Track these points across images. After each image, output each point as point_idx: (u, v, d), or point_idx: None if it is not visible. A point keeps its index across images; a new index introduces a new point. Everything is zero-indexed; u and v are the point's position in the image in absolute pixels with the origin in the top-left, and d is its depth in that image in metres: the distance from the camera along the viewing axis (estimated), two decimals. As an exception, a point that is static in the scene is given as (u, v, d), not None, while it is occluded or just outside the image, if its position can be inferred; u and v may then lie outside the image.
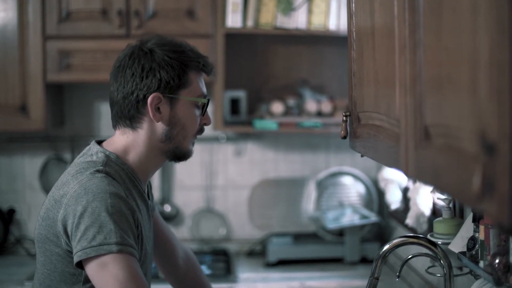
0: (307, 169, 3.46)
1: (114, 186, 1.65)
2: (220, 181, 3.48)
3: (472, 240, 1.83)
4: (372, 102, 1.72)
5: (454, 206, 2.18)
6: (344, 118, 1.93)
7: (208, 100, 1.84)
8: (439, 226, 2.06)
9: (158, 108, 1.76)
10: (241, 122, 3.27)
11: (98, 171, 1.69)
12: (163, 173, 3.44)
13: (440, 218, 2.09)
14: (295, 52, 3.44)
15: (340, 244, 3.25)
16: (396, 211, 3.09)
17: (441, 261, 1.94)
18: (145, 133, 1.78)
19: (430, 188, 2.40)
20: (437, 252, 1.94)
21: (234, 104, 3.27)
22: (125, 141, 1.79)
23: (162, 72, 1.74)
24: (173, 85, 1.75)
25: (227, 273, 3.10)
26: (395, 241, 1.95)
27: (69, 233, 1.62)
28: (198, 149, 3.18)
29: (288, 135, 3.44)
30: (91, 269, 1.59)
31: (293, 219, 3.43)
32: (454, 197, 1.50)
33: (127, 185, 1.73)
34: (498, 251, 1.65)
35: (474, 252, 1.82)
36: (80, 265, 1.61)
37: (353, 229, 3.22)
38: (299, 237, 3.38)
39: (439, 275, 2.06)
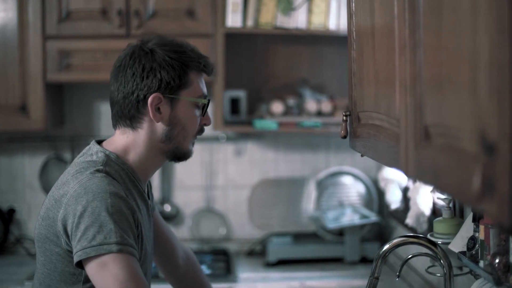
0: (307, 169, 3.46)
1: (114, 186, 1.65)
2: (220, 181, 3.48)
3: (472, 239, 1.83)
4: (372, 102, 1.72)
5: (454, 205, 2.18)
6: (344, 117, 1.93)
7: (209, 101, 1.84)
8: (439, 226, 2.06)
9: (159, 108, 1.76)
10: (241, 122, 3.27)
11: (98, 170, 1.69)
12: (163, 172, 3.45)
13: (440, 218, 2.09)
14: (295, 52, 3.44)
15: (340, 244, 3.25)
16: (396, 210, 3.09)
17: (441, 261, 1.94)
18: (145, 133, 1.78)
19: (430, 188, 2.40)
20: (437, 252, 1.94)
21: (234, 104, 3.27)
22: (125, 141, 1.79)
23: (163, 72, 1.74)
24: (174, 86, 1.75)
25: (227, 273, 3.10)
26: (395, 240, 1.95)
27: (69, 232, 1.62)
28: (198, 149, 3.18)
29: (288, 135, 3.44)
30: (91, 269, 1.59)
31: (293, 219, 3.43)
32: (454, 197, 1.50)
33: (127, 185, 1.73)
34: (498, 251, 1.65)
35: (474, 252, 1.82)
36: (80, 264, 1.61)
37: (353, 228, 3.22)
38: (299, 237, 3.38)
39: (439, 274, 2.06)
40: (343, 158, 3.45)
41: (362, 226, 3.25)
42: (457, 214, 2.19)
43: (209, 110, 1.86)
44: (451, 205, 2.07)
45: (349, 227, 3.21)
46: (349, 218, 3.23)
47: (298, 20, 3.14)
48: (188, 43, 1.83)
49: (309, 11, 3.13)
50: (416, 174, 1.38)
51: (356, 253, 3.22)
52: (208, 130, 1.90)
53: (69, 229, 1.62)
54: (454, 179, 1.15)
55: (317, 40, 3.37)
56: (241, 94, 3.29)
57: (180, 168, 3.43)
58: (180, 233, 3.42)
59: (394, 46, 1.48)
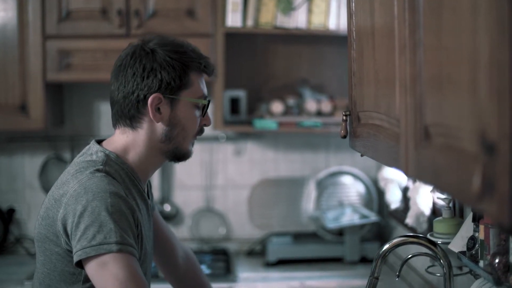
0: (307, 168, 3.46)
1: (114, 186, 1.65)
2: (220, 180, 3.48)
3: (472, 239, 1.83)
4: (372, 102, 1.72)
5: (454, 205, 2.18)
6: (344, 117, 1.93)
7: (209, 101, 1.83)
8: (439, 226, 2.06)
9: (159, 109, 1.76)
10: (241, 121, 3.27)
11: (98, 170, 1.69)
12: (163, 172, 3.45)
13: (440, 218, 2.09)
14: (295, 52, 3.44)
15: (340, 244, 3.25)
16: (396, 210, 3.09)
17: (441, 261, 1.94)
18: (145, 133, 1.78)
19: (430, 188, 2.40)
20: (437, 252, 1.94)
21: (234, 103, 3.27)
22: (125, 140, 1.79)
23: (163, 72, 1.74)
24: (174, 86, 1.75)
25: (227, 272, 3.10)
26: (395, 240, 1.95)
27: (69, 232, 1.62)
28: (198, 149, 3.18)
29: (288, 134, 3.44)
30: (91, 269, 1.59)
31: (293, 219, 3.43)
32: (454, 196, 1.49)
33: (127, 185, 1.73)
34: (498, 251, 1.65)
35: (474, 252, 1.82)
36: (80, 264, 1.61)
37: (353, 228, 3.22)
38: (299, 237, 3.38)
39: (439, 274, 2.06)
40: (343, 158, 3.45)
41: (362, 226, 3.25)
42: (457, 214, 2.19)
43: (209, 110, 1.86)
44: (451, 205, 2.07)
45: (349, 227, 3.21)
46: (349, 218, 3.23)
47: (298, 20, 3.14)
48: (189, 43, 1.83)
49: (309, 11, 3.14)
50: (416, 174, 1.38)
51: (356, 253, 3.22)
52: (208, 130, 1.90)
53: (69, 228, 1.62)
54: (454, 179, 1.15)
55: (317, 40, 3.37)
56: (241, 94, 3.29)
57: (180, 168, 3.42)
58: (180, 233, 3.42)
59: (394, 46, 1.48)
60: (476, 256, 1.80)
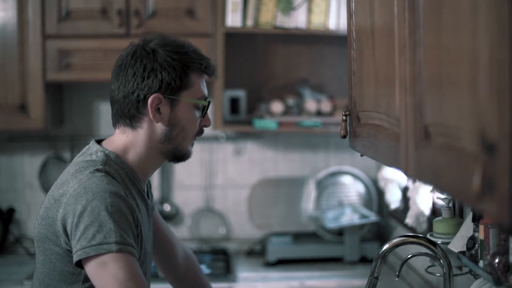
0: (306, 168, 3.46)
1: (113, 185, 1.65)
2: (219, 180, 3.48)
3: (472, 239, 1.83)
4: (372, 102, 1.72)
5: (453, 205, 2.18)
6: (344, 117, 1.93)
7: (209, 103, 1.83)
8: (439, 226, 2.06)
9: (158, 109, 1.75)
10: (241, 121, 3.27)
11: (97, 170, 1.69)
12: (162, 172, 3.44)
13: (440, 218, 2.09)
14: (295, 52, 3.44)
15: (339, 244, 3.25)
16: (396, 210, 3.09)
17: (441, 261, 1.94)
18: (144, 133, 1.78)
19: (429, 188, 2.40)
20: (437, 252, 1.94)
21: (234, 103, 3.27)
22: (124, 140, 1.79)
23: (164, 73, 1.74)
24: (174, 87, 1.75)
25: (227, 272, 3.10)
26: (395, 240, 1.95)
27: (69, 232, 1.62)
28: (197, 149, 3.18)
29: (287, 134, 3.44)
30: (91, 268, 1.59)
31: (293, 219, 3.43)
32: (454, 196, 1.50)
33: (126, 184, 1.73)
34: (497, 251, 1.65)
35: (473, 252, 1.82)
36: (80, 264, 1.61)
37: (353, 228, 3.22)
38: (299, 237, 3.38)
39: (438, 274, 2.06)
40: (343, 158, 3.45)
41: (361, 226, 3.25)
42: (457, 214, 2.19)
43: (209, 109, 1.86)
44: (450, 204, 2.07)
45: (349, 226, 3.21)
46: (349, 217, 3.23)
47: (298, 19, 3.14)
48: (190, 43, 1.82)
49: (309, 10, 3.13)
50: (416, 173, 1.38)
51: (355, 252, 3.22)
52: (207, 130, 1.90)
53: (68, 228, 1.62)
54: (454, 179, 1.15)
55: (317, 40, 3.37)
56: (240, 93, 3.29)
57: (179, 168, 3.42)
58: (180, 232, 3.42)
59: (394, 46, 1.48)
60: (476, 256, 1.80)
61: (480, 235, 1.76)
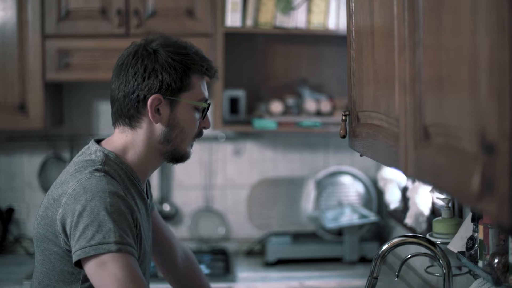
0: (306, 168, 3.46)
1: (113, 185, 1.65)
2: (219, 180, 3.48)
3: (471, 239, 1.83)
4: (372, 102, 1.72)
5: (453, 205, 2.18)
6: (343, 117, 1.93)
7: (209, 105, 1.83)
8: (438, 226, 2.06)
9: (158, 110, 1.75)
10: (240, 121, 3.27)
11: (97, 170, 1.69)
12: (162, 172, 3.44)
13: (439, 218, 2.09)
14: (294, 52, 3.44)
15: (339, 244, 3.25)
16: (395, 210, 3.09)
17: (440, 261, 1.94)
18: (144, 133, 1.78)
19: (429, 188, 2.40)
20: (436, 252, 1.94)
21: (233, 103, 3.27)
22: (124, 140, 1.79)
23: (165, 74, 1.74)
24: (175, 88, 1.75)
25: (226, 272, 3.09)
26: (394, 240, 1.95)
27: (68, 232, 1.62)
28: (197, 149, 3.18)
29: (287, 134, 3.44)
30: (90, 268, 1.59)
31: (292, 219, 3.43)
32: (454, 196, 1.50)
33: (126, 184, 1.73)
34: (497, 251, 1.65)
35: (473, 252, 1.82)
36: (79, 264, 1.61)
37: (352, 228, 3.22)
38: (298, 237, 3.38)
39: (438, 274, 2.06)
40: (342, 158, 3.45)
41: (361, 226, 3.25)
42: (456, 214, 2.19)
43: (208, 110, 1.85)
44: (450, 205, 2.07)
45: (348, 226, 3.21)
46: (348, 217, 3.23)
47: (298, 19, 3.14)
48: (192, 45, 1.82)
49: (309, 10, 3.13)
50: (416, 173, 1.38)
51: (355, 252, 3.22)
52: (207, 130, 1.90)
53: (67, 228, 1.62)
54: (453, 179, 1.15)
55: (316, 40, 3.37)
56: (240, 93, 3.29)
57: (179, 168, 3.42)
58: (179, 232, 3.42)
59: (394, 46, 1.48)
60: (475, 256, 1.80)
61: (480, 235, 1.77)
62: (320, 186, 3.38)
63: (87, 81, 3.24)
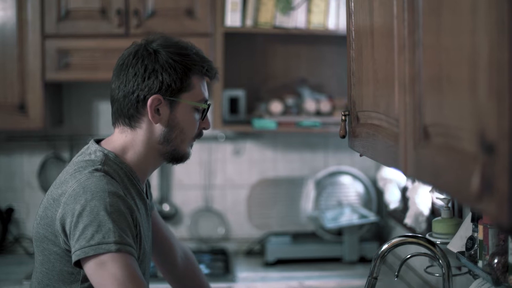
0: (306, 168, 3.46)
1: (112, 185, 1.65)
2: (218, 180, 3.48)
3: (471, 239, 1.83)
4: (371, 102, 1.72)
5: (453, 205, 2.18)
6: (343, 117, 1.93)
7: (209, 105, 1.83)
8: (438, 226, 2.06)
9: (158, 110, 1.75)
10: (240, 121, 3.27)
11: (96, 170, 1.69)
12: (161, 172, 3.44)
13: (439, 218, 2.09)
14: (294, 52, 3.44)
15: (338, 244, 3.25)
16: (395, 210, 3.09)
17: (440, 261, 1.94)
18: (143, 133, 1.78)
19: (429, 188, 2.40)
20: (436, 252, 1.94)
21: (233, 103, 3.27)
22: (123, 140, 1.79)
23: (165, 74, 1.74)
24: (175, 88, 1.75)
25: (226, 272, 3.09)
26: (394, 240, 1.95)
27: (68, 232, 1.62)
28: (196, 148, 3.18)
29: (287, 134, 3.44)
30: (90, 268, 1.59)
31: (292, 219, 3.43)
32: (453, 196, 1.50)
33: (125, 184, 1.73)
34: (497, 251, 1.65)
35: (472, 252, 1.82)
36: (79, 264, 1.61)
37: (352, 228, 3.22)
38: (298, 237, 3.38)
39: (437, 274, 2.06)
40: (342, 158, 3.45)
41: (360, 226, 3.25)
42: (456, 214, 2.19)
43: (208, 110, 1.85)
44: (450, 205, 2.07)
45: (348, 226, 3.21)
46: (348, 217, 3.23)
47: (297, 19, 3.13)
48: (193, 45, 1.82)
49: (308, 10, 3.13)
50: (415, 173, 1.38)
51: (354, 253, 3.22)
52: (207, 130, 1.90)
53: (67, 228, 1.62)
54: (453, 179, 1.15)
55: (316, 40, 3.37)
56: (240, 93, 3.28)
57: (178, 168, 3.42)
58: (179, 232, 3.42)
59: (393, 46, 1.48)
60: (475, 256, 1.80)
61: (479, 235, 1.77)
62: (320, 186, 3.38)
63: (87, 81, 3.24)
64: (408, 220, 2.62)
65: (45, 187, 3.30)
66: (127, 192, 1.71)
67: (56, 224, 1.65)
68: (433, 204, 2.58)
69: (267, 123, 3.17)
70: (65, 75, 3.09)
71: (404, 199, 2.94)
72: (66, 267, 1.67)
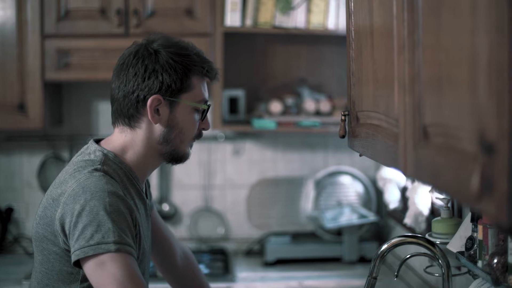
0: (305, 168, 3.46)
1: (112, 185, 1.65)
2: (218, 180, 3.48)
3: (471, 239, 1.83)
4: (371, 102, 1.72)
5: (452, 205, 2.18)
6: (343, 117, 1.93)
7: (209, 106, 1.83)
8: (438, 226, 2.06)
9: (157, 110, 1.75)
10: (240, 121, 3.27)
11: (96, 169, 1.69)
12: (161, 172, 3.44)
13: (439, 218, 2.09)
14: (293, 51, 3.44)
15: (338, 244, 3.25)
16: (395, 210, 3.09)
17: (440, 261, 1.94)
18: (143, 133, 1.78)
19: (428, 188, 2.40)
20: (436, 252, 1.94)
21: (233, 103, 3.27)
22: (123, 140, 1.79)
23: (165, 75, 1.74)
24: (175, 89, 1.75)
25: (225, 272, 3.09)
26: (394, 240, 1.95)
27: (67, 232, 1.62)
28: (196, 148, 3.18)
29: (286, 134, 3.44)
30: (89, 268, 1.59)
31: (292, 219, 3.43)
32: (453, 196, 1.50)
33: (125, 184, 1.73)
34: (496, 251, 1.65)
35: (472, 252, 1.82)
36: (78, 264, 1.61)
37: (352, 228, 3.22)
38: (298, 237, 3.38)
39: (437, 274, 2.06)
40: (342, 158, 3.45)
41: (360, 226, 3.25)
42: (456, 214, 2.19)
43: (208, 111, 1.85)
44: (449, 205, 2.07)
45: (348, 226, 3.21)
46: (348, 217, 3.23)
47: (297, 19, 3.13)
48: (194, 46, 1.82)
49: (308, 10, 3.13)
50: (415, 173, 1.38)
51: (354, 252, 3.22)
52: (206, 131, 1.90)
53: (66, 228, 1.62)
54: (452, 179, 1.15)
55: (316, 40, 3.37)
56: (239, 93, 3.28)
57: (178, 168, 3.42)
58: (178, 232, 3.42)
59: (393, 46, 1.48)
60: (475, 256, 1.80)
61: (479, 235, 1.77)
62: (320, 186, 3.38)
63: (86, 81, 3.24)
64: (407, 220, 2.62)
65: (44, 187, 3.30)
66: (127, 192, 1.71)
67: (56, 224, 1.65)
68: (432, 204, 2.58)
69: (267, 123, 3.17)
70: (64, 75, 3.09)
71: (404, 199, 2.94)
72: (66, 267, 1.67)
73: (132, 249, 1.61)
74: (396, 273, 2.01)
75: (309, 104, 3.24)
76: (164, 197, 3.46)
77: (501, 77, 0.96)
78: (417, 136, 1.35)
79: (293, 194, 3.43)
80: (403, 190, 2.97)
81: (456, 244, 1.93)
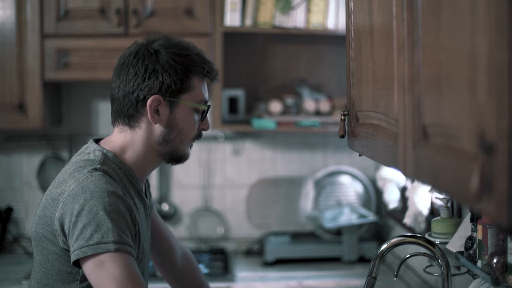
0: (305, 168, 3.46)
1: (111, 185, 1.65)
2: (218, 180, 3.48)
3: (470, 239, 1.83)
4: (371, 101, 1.72)
5: (452, 205, 2.18)
6: (342, 117, 1.93)
7: (209, 107, 1.83)
8: (437, 226, 2.06)
9: (157, 110, 1.75)
10: (239, 121, 3.27)
11: (95, 169, 1.69)
12: (161, 172, 3.44)
13: (438, 218, 2.09)
14: (293, 51, 3.44)
15: (338, 244, 3.25)
16: (394, 210, 3.09)
17: (439, 261, 1.94)
18: (143, 133, 1.77)
19: (428, 188, 2.40)
20: (435, 252, 1.94)
21: (233, 103, 3.27)
22: (122, 139, 1.79)
23: (165, 75, 1.73)
24: (175, 89, 1.75)
25: (225, 272, 3.09)
26: (393, 240, 1.95)
27: (66, 231, 1.62)
28: (196, 148, 3.17)
29: (286, 134, 3.44)
30: (88, 268, 1.59)
31: (291, 218, 3.43)
32: (452, 196, 1.50)
33: (124, 184, 1.73)
34: (496, 251, 1.65)
35: (472, 252, 1.82)
36: (77, 263, 1.61)
37: (351, 228, 3.22)
38: (297, 236, 3.38)
39: (437, 274, 2.06)
40: (341, 158, 3.45)
41: (360, 226, 3.25)
42: (455, 213, 2.19)
43: (208, 111, 1.85)
44: (449, 204, 2.07)
45: (347, 226, 3.21)
46: (347, 217, 3.23)
47: (297, 19, 3.13)
48: (194, 46, 1.82)
49: (308, 10, 3.13)
50: (414, 173, 1.38)
51: (354, 252, 3.22)
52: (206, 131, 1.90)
53: (66, 228, 1.62)
54: (452, 179, 1.15)
55: (315, 40, 3.37)
56: (239, 93, 3.28)
57: (178, 167, 3.40)
58: (178, 232, 3.42)
59: (393, 46, 1.48)
60: (474, 256, 1.80)
61: (479, 235, 1.77)
62: (319, 185, 3.38)
63: (86, 81, 3.24)
64: (407, 220, 2.62)
65: (44, 187, 3.30)
66: (126, 191, 1.71)
67: (55, 223, 1.65)
68: (432, 204, 2.58)
69: (267, 123, 3.17)
70: (64, 75, 3.09)
71: (403, 199, 2.94)
72: (65, 266, 1.67)
73: (131, 248, 1.61)
74: (395, 273, 2.01)
75: (309, 104, 3.24)
76: (163, 197, 3.46)
77: (501, 77, 0.96)
78: (417, 136, 1.35)
79: (292, 194, 3.43)
80: (403, 190, 2.97)
81: (455, 244, 1.94)
